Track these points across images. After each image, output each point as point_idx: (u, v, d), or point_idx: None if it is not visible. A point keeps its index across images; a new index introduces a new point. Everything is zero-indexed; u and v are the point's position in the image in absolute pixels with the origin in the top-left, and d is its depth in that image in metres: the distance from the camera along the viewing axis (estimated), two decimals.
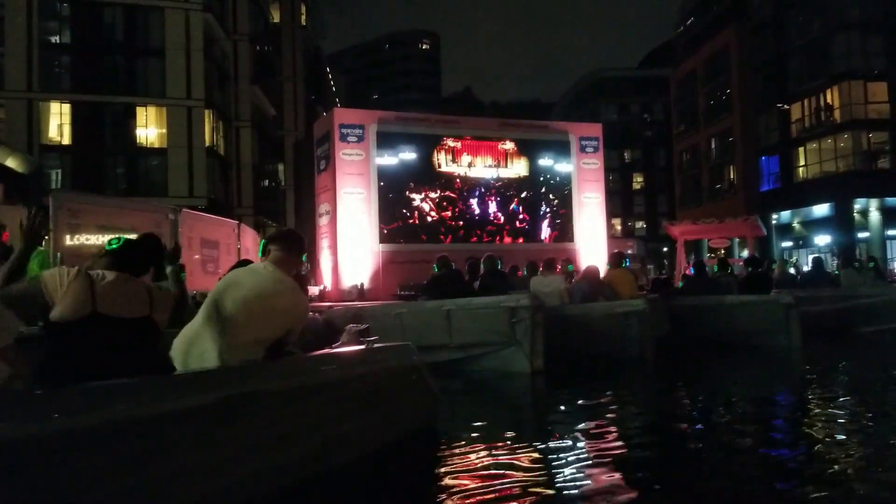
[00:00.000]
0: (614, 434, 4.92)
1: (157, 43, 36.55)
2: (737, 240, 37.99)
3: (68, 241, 11.35)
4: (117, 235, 3.81)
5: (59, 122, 35.83)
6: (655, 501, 3.46)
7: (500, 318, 7.85)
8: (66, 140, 35.72)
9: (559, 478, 3.79)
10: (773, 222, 41.86)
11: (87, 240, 11.55)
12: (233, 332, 3.61)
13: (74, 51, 35.93)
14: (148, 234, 4.05)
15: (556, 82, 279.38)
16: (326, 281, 26.17)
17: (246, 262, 5.06)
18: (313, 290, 22.51)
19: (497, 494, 3.52)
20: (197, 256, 15.65)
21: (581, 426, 5.09)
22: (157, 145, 36.90)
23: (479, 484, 3.70)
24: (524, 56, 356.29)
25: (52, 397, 2.82)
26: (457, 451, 4.42)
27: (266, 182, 47.32)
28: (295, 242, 3.97)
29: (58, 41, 36.18)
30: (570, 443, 4.61)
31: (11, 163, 29.91)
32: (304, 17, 55.51)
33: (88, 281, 3.36)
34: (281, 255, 3.88)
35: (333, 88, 72.93)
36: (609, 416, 5.59)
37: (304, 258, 4.29)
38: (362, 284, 25.22)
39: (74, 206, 11.66)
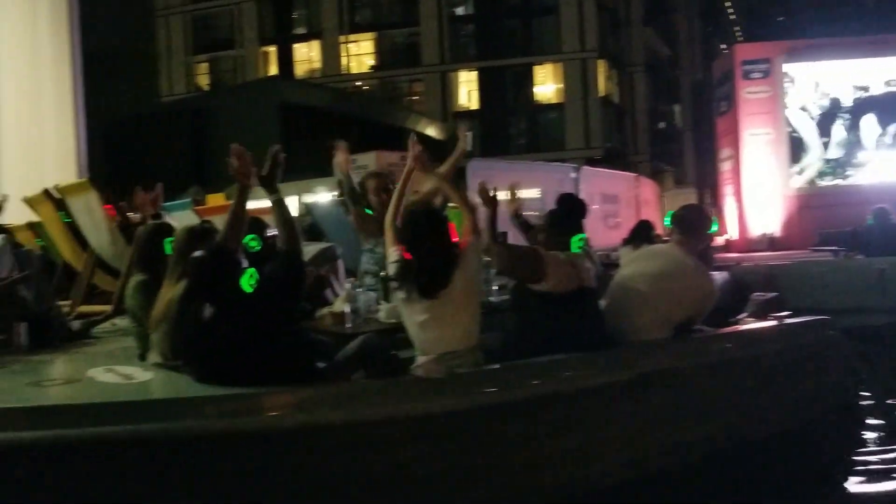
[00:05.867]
0: None
1: (551, 0, 37.57)
2: None
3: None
4: None
5: (467, 89, 39.15)
6: None
7: None
8: (474, 105, 38.90)
9: None
10: None
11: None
12: (642, 311, 3.72)
13: (477, 20, 38.70)
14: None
15: None
16: (732, 230, 24.53)
17: (646, 224, 4.89)
18: (718, 241, 21.20)
19: None
20: (596, 208, 15.76)
21: None
22: (553, 101, 38.25)
23: None
24: None
25: (495, 373, 3.26)
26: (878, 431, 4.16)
27: (661, 125, 46.16)
28: (692, 223, 3.95)
29: (463, 13, 39.28)
30: None
31: (431, 131, 33.50)
32: None
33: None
34: (681, 238, 3.87)
35: (732, 17, 67.75)
36: None
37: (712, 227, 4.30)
38: (773, 233, 23.04)
39: (487, 173, 12.42)
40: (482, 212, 3.60)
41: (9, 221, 8.53)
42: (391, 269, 3.35)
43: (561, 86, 37.82)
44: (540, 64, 38.15)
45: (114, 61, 30.54)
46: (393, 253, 3.39)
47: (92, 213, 5.47)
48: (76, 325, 5.03)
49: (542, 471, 3.25)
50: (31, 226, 6.89)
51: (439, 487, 3.03)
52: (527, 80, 38.53)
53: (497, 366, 3.37)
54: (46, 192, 6.01)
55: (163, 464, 2.67)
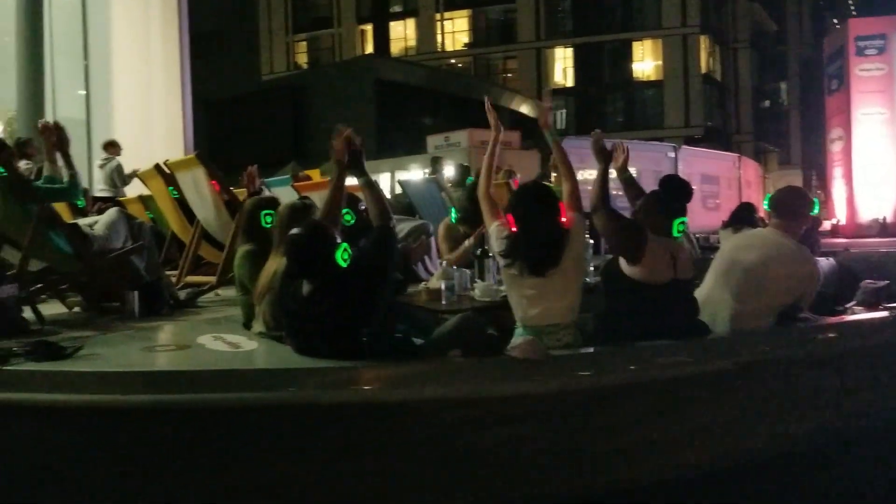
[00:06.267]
0: None
1: None
2: None
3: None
4: None
5: (563, 65, 38.55)
6: None
7: None
8: (570, 82, 38.31)
9: None
10: None
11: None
12: (742, 297, 3.62)
13: None
14: None
15: None
16: (840, 214, 23.33)
17: (748, 206, 4.75)
18: (824, 225, 20.22)
19: None
20: (695, 188, 15.30)
21: None
22: (652, 78, 37.25)
23: None
24: None
25: (591, 356, 3.26)
26: None
27: (766, 103, 44.23)
28: (790, 206, 3.82)
29: None
30: None
31: (525, 109, 33.19)
32: None
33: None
34: (779, 221, 3.75)
35: None
36: None
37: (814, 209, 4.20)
38: (884, 218, 21.76)
39: (582, 151, 12.20)
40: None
41: (100, 191, 9.02)
42: (499, 245, 3.34)
43: (660, 62, 36.77)
44: (639, 40, 37.16)
45: (218, 42, 31.59)
46: (496, 228, 3.39)
47: (199, 188, 5.67)
48: (183, 294, 5.27)
49: (634, 457, 3.22)
50: (142, 199, 7.21)
51: (528, 470, 3.05)
52: (625, 57, 37.63)
53: (592, 349, 3.35)
54: (157, 167, 6.27)
55: (264, 431, 2.78)
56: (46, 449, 2.82)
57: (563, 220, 3.32)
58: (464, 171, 8.74)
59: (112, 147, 9.81)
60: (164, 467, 2.80)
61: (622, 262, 3.41)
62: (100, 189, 9.47)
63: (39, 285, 4.47)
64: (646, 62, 37.49)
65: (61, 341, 3.27)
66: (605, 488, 3.20)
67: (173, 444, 2.77)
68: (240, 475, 2.81)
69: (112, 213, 4.87)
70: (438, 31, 40.05)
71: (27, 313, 4.06)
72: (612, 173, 3.90)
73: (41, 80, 12.75)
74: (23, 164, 6.77)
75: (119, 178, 9.42)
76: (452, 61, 39.96)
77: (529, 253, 3.25)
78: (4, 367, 2.87)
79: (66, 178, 4.39)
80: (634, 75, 37.78)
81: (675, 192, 3.67)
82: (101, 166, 9.74)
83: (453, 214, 5.20)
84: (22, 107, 12.73)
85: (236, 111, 28.97)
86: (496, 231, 3.40)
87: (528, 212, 3.31)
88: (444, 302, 3.96)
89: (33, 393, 2.78)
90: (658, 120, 35.96)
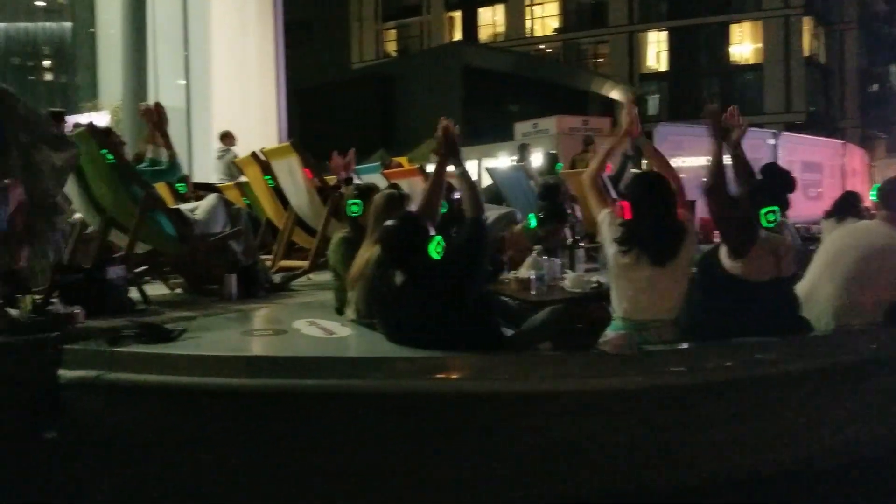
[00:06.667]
0: None
1: None
2: None
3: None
4: None
5: (656, 49, 37.55)
6: None
7: None
8: (663, 67, 37.29)
9: None
10: None
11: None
12: (847, 292, 3.49)
13: None
14: None
15: None
16: None
17: (853, 195, 4.52)
18: None
19: None
20: (796, 177, 14.66)
21: None
22: (751, 61, 35.88)
23: None
24: None
25: (684, 352, 3.17)
26: None
27: (874, 87, 41.87)
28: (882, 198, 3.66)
29: None
30: None
31: (616, 94, 32.51)
32: None
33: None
34: (887, 213, 3.63)
35: None
36: None
37: None
38: None
39: (676, 139, 11.91)
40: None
41: (219, 181, 9.32)
42: (613, 232, 3.28)
43: (760, 45, 35.35)
44: (737, 22, 35.81)
45: (308, 31, 32.21)
46: (607, 215, 3.33)
47: (293, 175, 5.80)
48: (277, 278, 5.41)
49: (728, 454, 3.15)
50: (239, 185, 7.44)
51: (613, 465, 3.01)
52: (722, 40, 36.34)
53: (686, 345, 3.26)
54: (254, 155, 6.45)
55: (356, 416, 2.84)
56: (154, 428, 2.96)
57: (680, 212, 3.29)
58: (552, 158, 8.61)
59: (227, 138, 10.17)
60: (262, 449, 2.89)
61: (722, 255, 3.30)
62: (219, 178, 9.76)
63: (145, 267, 4.68)
64: (744, 45, 36.11)
65: (165, 322, 3.42)
66: (695, 485, 3.14)
67: (271, 426, 2.85)
68: (331, 459, 2.87)
69: (212, 198, 5.05)
70: (528, 17, 39.63)
71: (133, 293, 4.26)
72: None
73: (144, 70, 13.34)
74: None
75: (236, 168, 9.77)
76: (541, 47, 39.49)
77: (652, 241, 3.19)
78: (116, 349, 3.03)
79: (165, 159, 4.60)
80: (732, 59, 36.46)
81: (776, 183, 3.52)
82: (220, 157, 10.10)
83: (532, 220, 4.96)
84: (126, 97, 13.35)
85: (325, 99, 29.45)
86: (607, 218, 3.35)
87: (649, 200, 3.26)
88: (533, 292, 3.92)
89: (143, 374, 2.92)
90: (757, 105, 34.53)
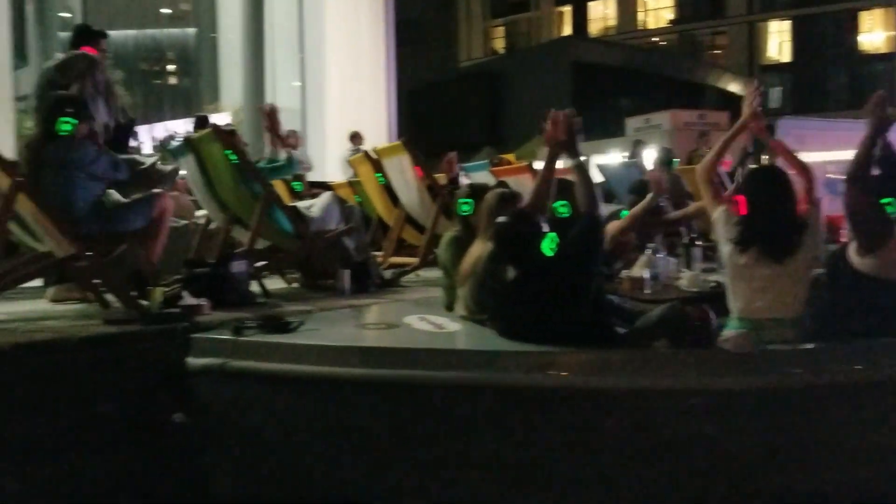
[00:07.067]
0: None
1: None
2: None
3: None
4: None
5: (778, 39, 35.84)
6: None
7: None
8: (786, 57, 35.56)
9: None
10: None
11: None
12: None
13: None
14: None
15: None
16: None
17: None
18: None
19: None
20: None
21: None
22: (882, 51, 33.64)
23: None
24: None
25: (807, 353, 3.05)
26: None
27: None
28: None
29: None
30: None
31: (734, 87, 31.25)
32: None
33: None
34: None
35: None
36: None
37: None
38: None
39: (799, 133, 11.31)
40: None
41: (331, 179, 9.59)
42: (729, 232, 3.18)
43: (892, 33, 33.11)
44: (867, 9, 33.65)
45: (417, 30, 32.61)
46: (722, 212, 3.23)
47: (404, 173, 5.90)
48: (387, 274, 5.52)
49: (854, 463, 2.98)
50: (351, 184, 7.63)
51: (726, 467, 2.92)
52: (849, 28, 34.25)
53: (810, 345, 3.12)
54: (366, 154, 6.60)
55: (467, 408, 2.88)
56: (273, 413, 3.10)
57: (801, 208, 3.18)
58: (667, 153, 8.36)
59: (356, 138, 10.46)
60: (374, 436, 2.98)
61: (852, 252, 3.13)
62: (351, 177, 10.07)
63: (264, 262, 4.88)
64: (875, 33, 33.91)
65: (285, 315, 3.57)
66: (813, 494, 2.98)
67: (384, 415, 2.94)
68: (443, 448, 2.93)
69: (327, 197, 5.22)
70: (640, 9, 38.67)
71: (254, 287, 4.46)
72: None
73: (262, 73, 13.89)
74: None
75: None
76: (655, 39, 38.44)
77: (768, 238, 3.10)
78: (241, 338, 3.19)
79: (282, 157, 4.82)
80: (861, 48, 34.29)
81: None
82: (350, 157, 10.41)
83: (624, 215, 4.84)
84: (246, 98, 13.95)
85: (434, 98, 29.77)
86: (723, 216, 3.25)
87: (767, 195, 3.17)
88: (647, 291, 3.84)
89: (265, 362, 3.07)
90: (889, 97, 32.38)
